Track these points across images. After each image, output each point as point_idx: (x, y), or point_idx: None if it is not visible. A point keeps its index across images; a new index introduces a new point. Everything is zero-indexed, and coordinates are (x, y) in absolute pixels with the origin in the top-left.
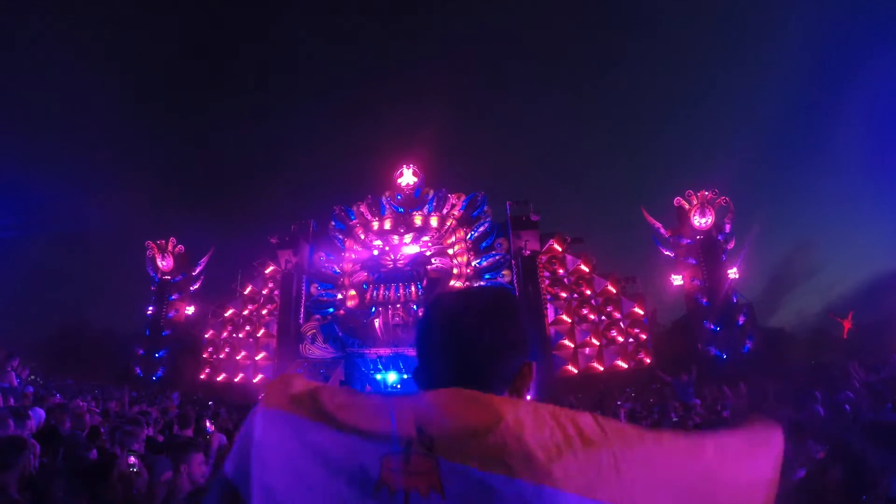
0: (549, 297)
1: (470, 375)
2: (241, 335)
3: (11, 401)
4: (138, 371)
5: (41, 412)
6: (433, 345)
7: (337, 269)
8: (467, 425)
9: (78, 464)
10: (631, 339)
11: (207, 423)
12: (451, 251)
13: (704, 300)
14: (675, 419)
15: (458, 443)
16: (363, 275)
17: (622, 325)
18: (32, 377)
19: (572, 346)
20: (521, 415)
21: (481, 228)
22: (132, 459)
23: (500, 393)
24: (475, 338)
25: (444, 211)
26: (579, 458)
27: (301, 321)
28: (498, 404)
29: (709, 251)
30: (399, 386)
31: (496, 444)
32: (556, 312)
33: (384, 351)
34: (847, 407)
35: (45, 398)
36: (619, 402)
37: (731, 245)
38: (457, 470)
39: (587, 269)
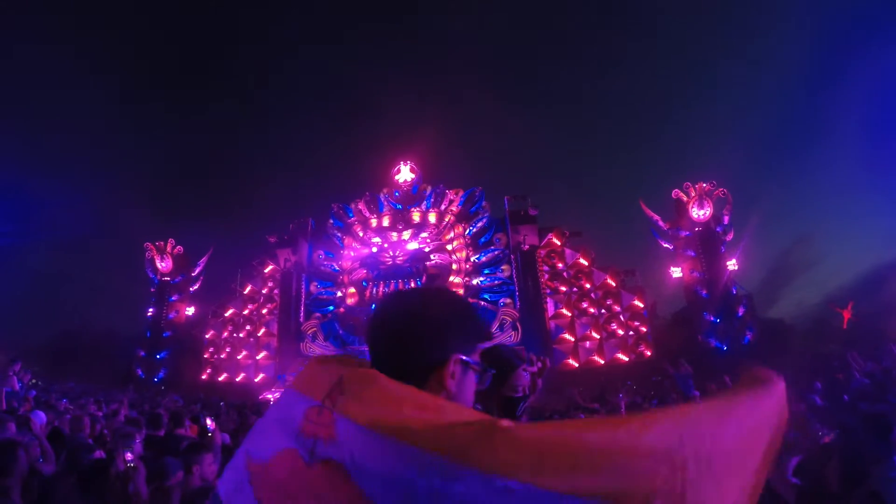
0: (548, 291)
1: (384, 364)
2: (241, 335)
3: (15, 404)
4: (140, 373)
5: (42, 415)
6: (366, 337)
7: (336, 266)
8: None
9: (81, 466)
10: (631, 332)
11: (209, 422)
12: (449, 247)
13: (704, 292)
14: None
15: (349, 403)
16: (362, 272)
17: (622, 318)
18: (34, 381)
19: (573, 339)
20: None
21: (480, 224)
22: (129, 456)
23: (422, 381)
24: (386, 332)
25: (443, 207)
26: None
27: (301, 319)
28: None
29: (708, 243)
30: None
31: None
32: (556, 306)
33: None
34: (846, 397)
35: (47, 401)
36: (620, 395)
37: (729, 236)
38: (346, 423)
39: (586, 263)
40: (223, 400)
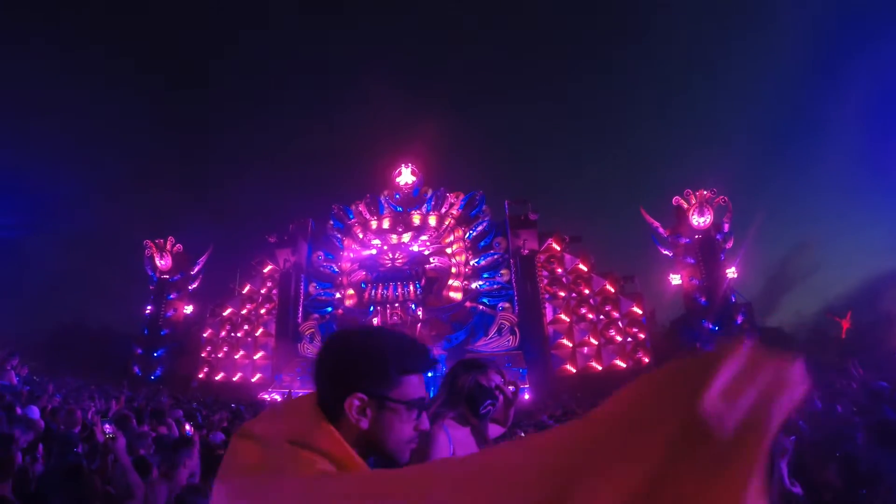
0: (547, 296)
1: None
2: (239, 334)
3: (8, 398)
4: (137, 370)
5: (36, 410)
6: None
7: (335, 268)
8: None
9: (68, 461)
10: (629, 339)
11: (187, 427)
12: (449, 250)
13: (703, 299)
14: None
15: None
16: (361, 274)
17: (620, 325)
18: (34, 378)
19: (571, 345)
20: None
21: (480, 227)
22: (108, 427)
23: (335, 416)
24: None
25: (443, 210)
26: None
27: (299, 320)
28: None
29: (707, 250)
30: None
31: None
32: (555, 311)
33: None
34: (839, 408)
35: (40, 397)
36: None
37: (729, 244)
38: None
39: (585, 269)
40: (218, 398)
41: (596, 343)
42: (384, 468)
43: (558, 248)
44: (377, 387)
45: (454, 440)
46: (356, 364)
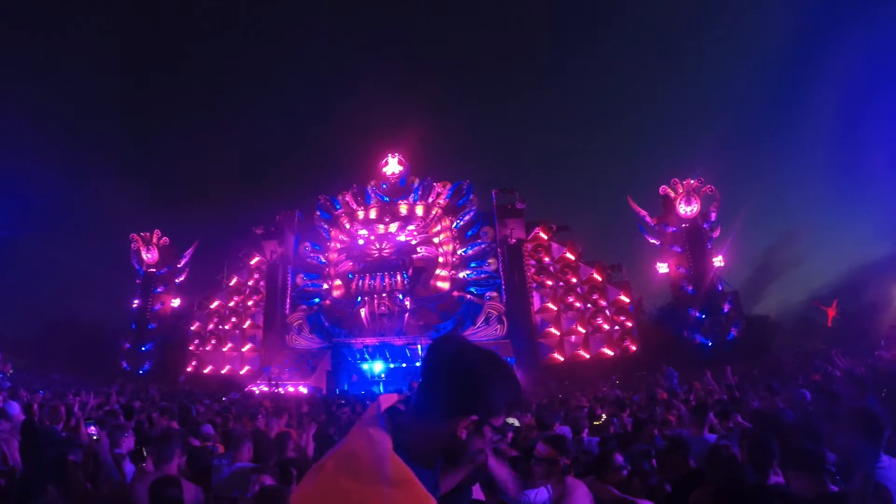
0: (534, 285)
1: None
2: (227, 327)
3: None
4: (125, 365)
5: (17, 406)
6: None
7: (322, 258)
8: None
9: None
10: (617, 327)
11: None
12: (436, 240)
13: (690, 288)
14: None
15: None
16: (349, 264)
17: (608, 313)
18: (12, 371)
19: (558, 333)
20: None
21: (467, 217)
22: (92, 429)
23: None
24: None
25: (430, 200)
26: None
27: (287, 312)
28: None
29: (694, 239)
30: (384, 376)
31: None
32: (542, 300)
33: (370, 340)
34: (808, 395)
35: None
36: (605, 389)
37: (716, 233)
38: None
39: (573, 258)
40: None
41: (583, 331)
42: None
43: (545, 237)
44: (487, 415)
45: None
46: (482, 392)
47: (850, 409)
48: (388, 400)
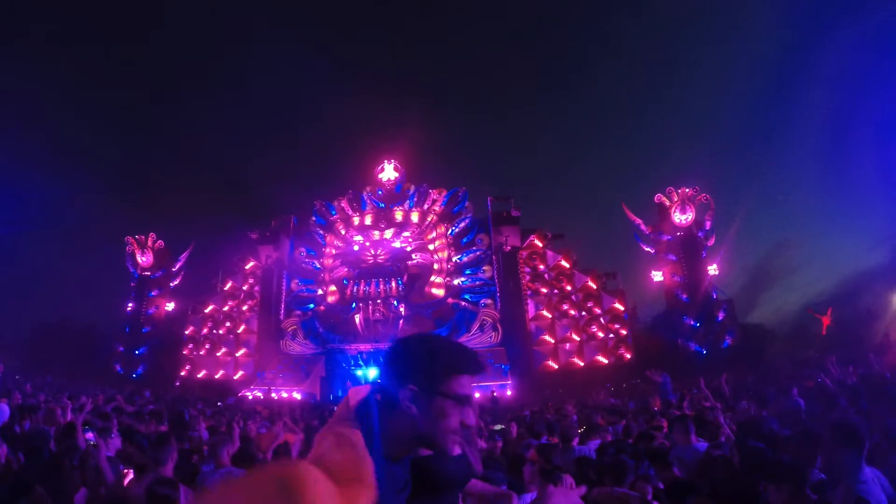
0: (529, 292)
1: None
2: (221, 331)
3: None
4: (118, 368)
5: (6, 409)
6: None
7: (318, 264)
8: None
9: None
10: (611, 335)
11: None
12: (431, 247)
13: (684, 296)
14: (656, 410)
15: None
16: (343, 270)
17: (602, 321)
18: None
19: (553, 341)
20: None
21: (462, 224)
22: (90, 435)
23: (394, 404)
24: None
25: (425, 206)
26: None
27: (281, 317)
28: None
29: (689, 248)
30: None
31: None
32: (537, 308)
33: (365, 346)
34: (801, 402)
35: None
36: (602, 397)
37: (711, 242)
38: None
39: (568, 265)
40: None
41: (578, 339)
42: (433, 457)
43: (541, 245)
44: (428, 381)
45: None
46: (412, 361)
47: (831, 423)
48: (358, 393)
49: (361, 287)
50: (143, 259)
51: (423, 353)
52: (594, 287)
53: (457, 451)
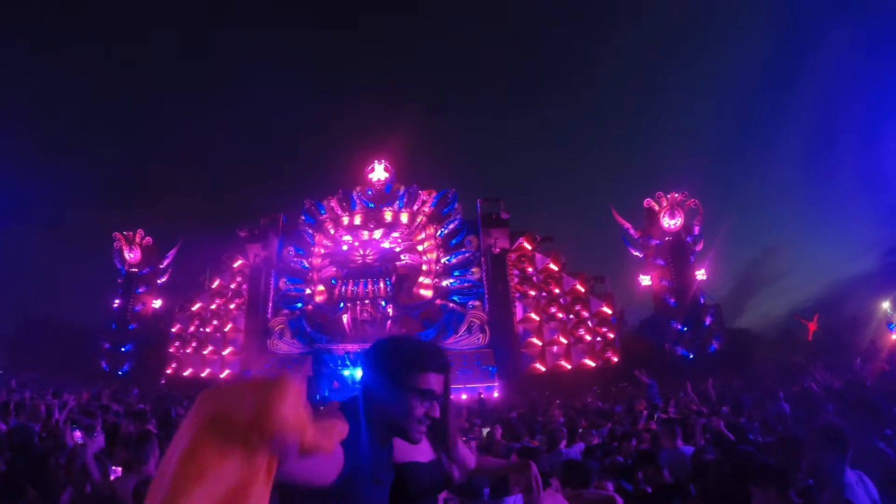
0: (517, 294)
1: None
2: (208, 329)
3: None
4: (104, 365)
5: None
6: None
7: (306, 263)
8: None
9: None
10: (599, 338)
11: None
12: (420, 248)
13: (672, 300)
14: (643, 413)
15: None
16: (332, 270)
17: (590, 324)
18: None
19: (540, 343)
20: None
21: (451, 225)
22: (77, 434)
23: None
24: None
25: (415, 207)
26: None
27: (269, 316)
28: None
29: (677, 252)
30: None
31: None
32: (525, 310)
33: (352, 347)
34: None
35: None
36: (589, 400)
37: (699, 247)
38: None
39: (556, 268)
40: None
41: (565, 342)
42: (407, 465)
43: (529, 248)
44: (396, 376)
45: None
46: (383, 359)
47: (816, 427)
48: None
49: (350, 287)
50: (131, 255)
51: (392, 352)
52: (582, 290)
53: (430, 455)
